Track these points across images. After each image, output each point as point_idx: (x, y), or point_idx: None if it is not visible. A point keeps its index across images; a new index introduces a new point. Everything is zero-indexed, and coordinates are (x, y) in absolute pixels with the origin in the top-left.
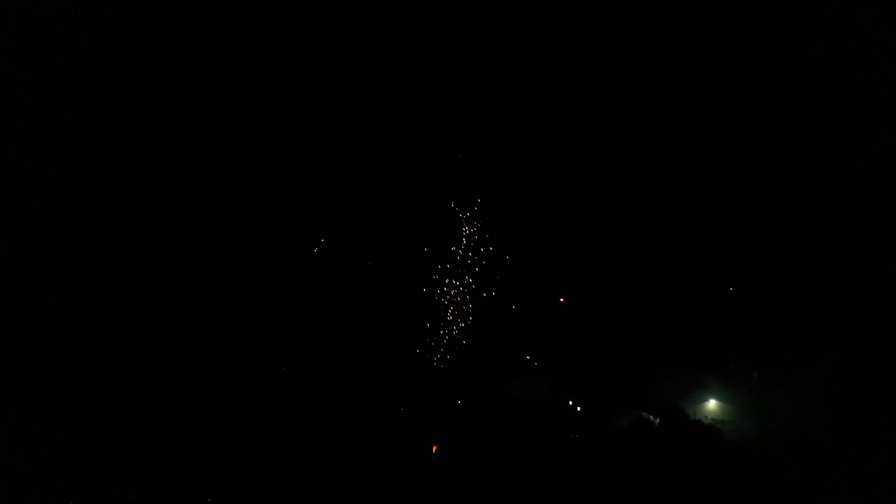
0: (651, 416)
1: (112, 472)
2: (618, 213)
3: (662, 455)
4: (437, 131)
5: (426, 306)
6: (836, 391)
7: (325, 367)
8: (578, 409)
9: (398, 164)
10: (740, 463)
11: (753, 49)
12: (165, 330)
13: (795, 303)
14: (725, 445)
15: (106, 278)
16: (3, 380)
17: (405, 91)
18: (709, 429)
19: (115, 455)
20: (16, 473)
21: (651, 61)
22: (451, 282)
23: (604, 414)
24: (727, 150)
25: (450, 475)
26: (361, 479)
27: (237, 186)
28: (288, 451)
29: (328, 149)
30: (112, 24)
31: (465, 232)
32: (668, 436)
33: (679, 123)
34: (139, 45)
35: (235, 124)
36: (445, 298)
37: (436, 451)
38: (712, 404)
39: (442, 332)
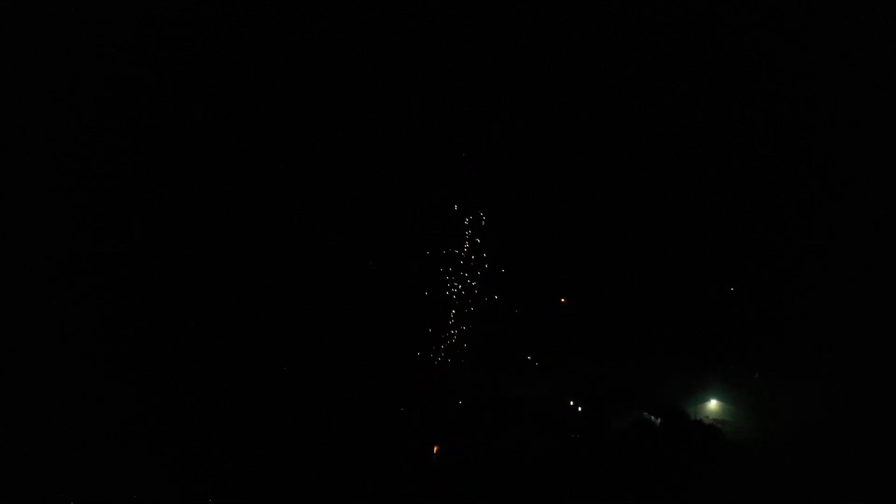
0: (652, 416)
1: (112, 472)
2: (618, 213)
3: (663, 455)
4: (437, 131)
5: (426, 306)
6: (836, 391)
7: (325, 367)
8: (579, 409)
9: (398, 164)
10: (741, 463)
11: (753, 49)
12: (165, 330)
13: (796, 303)
14: (726, 445)
15: (106, 278)
16: (3, 380)
17: (405, 91)
18: (710, 429)
19: (115, 455)
20: (16, 473)
21: (651, 61)
22: (451, 282)
23: (604, 414)
24: (727, 150)
25: (450, 475)
26: (361, 479)
27: (237, 186)
28: (288, 451)
29: (328, 149)
30: (112, 24)
31: (466, 232)
32: (668, 436)
33: (679, 123)
34: (139, 45)
35: (235, 124)
36: (445, 298)
37: (436, 451)
38: (713, 404)
39: (442, 332)
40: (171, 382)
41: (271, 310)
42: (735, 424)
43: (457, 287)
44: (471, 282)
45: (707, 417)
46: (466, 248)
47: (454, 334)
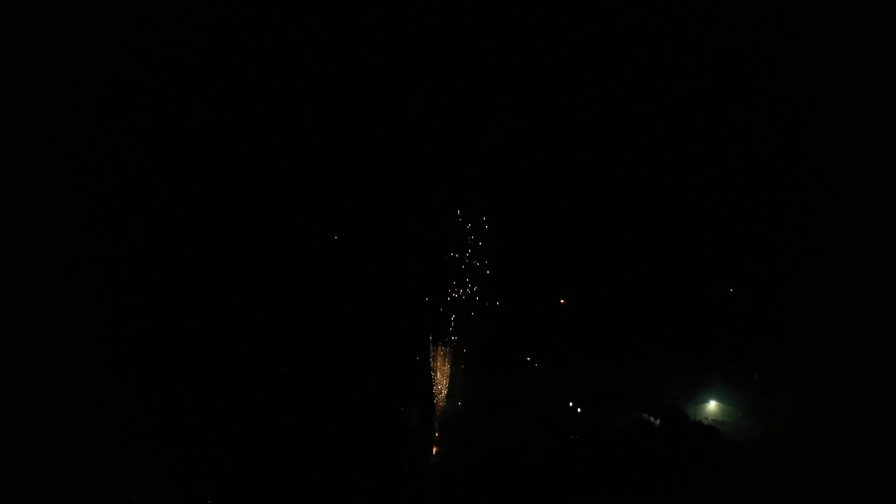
0: (651, 417)
1: (112, 472)
2: (618, 213)
3: (662, 455)
4: (437, 131)
5: (426, 306)
6: (836, 391)
7: (325, 367)
8: (579, 409)
9: (398, 164)
10: (740, 463)
11: (753, 49)
12: (165, 330)
13: (796, 304)
14: (726, 446)
15: (106, 278)
16: (3, 380)
17: (405, 91)
18: (709, 429)
19: (115, 455)
20: (16, 473)
21: (651, 61)
22: (450, 282)
23: (604, 414)
24: (727, 150)
25: (450, 475)
26: (361, 479)
27: (237, 186)
28: (288, 451)
29: (328, 149)
30: (112, 24)
31: (465, 232)
32: (668, 436)
33: (679, 123)
34: (139, 45)
35: (235, 124)
36: (445, 298)
37: (436, 451)
38: (712, 405)
39: (442, 332)
40: (171, 382)
41: (271, 310)
42: (735, 425)
43: (457, 287)
44: (470, 282)
45: (706, 418)
46: (466, 248)
47: (454, 334)
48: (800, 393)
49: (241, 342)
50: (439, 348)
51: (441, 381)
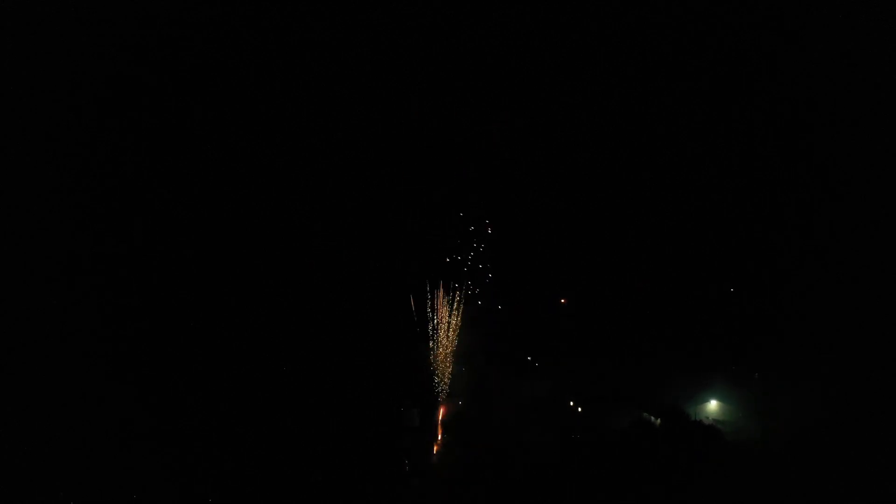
0: (652, 417)
1: (112, 472)
2: (618, 213)
3: (663, 455)
4: (437, 131)
5: (426, 306)
6: (836, 392)
7: (325, 367)
8: (579, 409)
9: (398, 164)
10: (741, 463)
11: (753, 49)
12: (165, 330)
13: (796, 304)
14: (726, 446)
15: (106, 278)
16: (3, 380)
17: (405, 91)
18: (709, 429)
19: (115, 455)
20: (16, 473)
21: (651, 61)
22: (450, 282)
23: (604, 414)
24: (727, 150)
25: (450, 475)
26: (361, 479)
27: (237, 186)
28: (288, 451)
29: (328, 149)
30: (112, 24)
31: (465, 232)
32: (668, 436)
33: (679, 123)
34: (139, 45)
35: (235, 124)
36: (445, 298)
37: (436, 450)
38: (713, 405)
39: (442, 332)
40: (171, 382)
41: (271, 310)
42: (735, 424)
43: (456, 287)
44: (470, 282)
45: (707, 417)
46: (466, 248)
47: (454, 334)
48: (800, 393)
49: (241, 342)
50: (439, 348)
51: (441, 381)
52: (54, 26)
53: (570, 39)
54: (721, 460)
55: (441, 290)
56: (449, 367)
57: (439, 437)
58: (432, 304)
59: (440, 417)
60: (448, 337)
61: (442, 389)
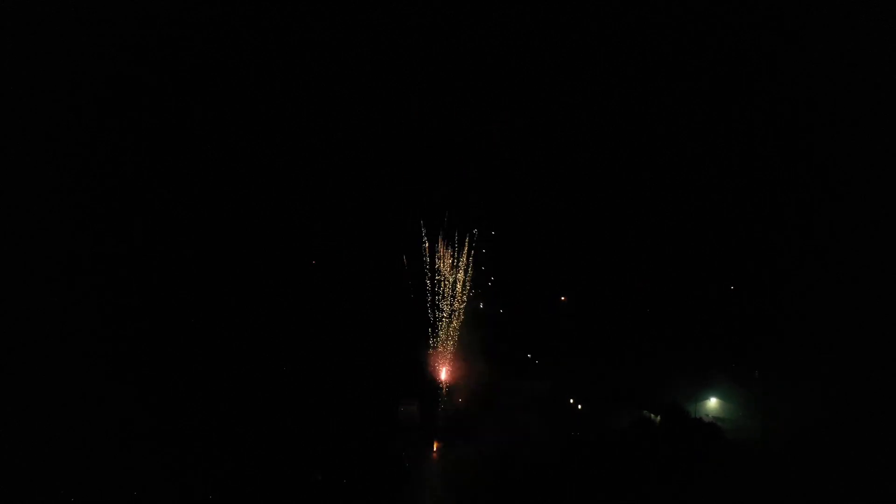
0: (652, 415)
1: (112, 472)
2: (618, 213)
3: (663, 453)
4: (437, 131)
5: (426, 306)
6: (836, 391)
7: (325, 366)
8: (579, 407)
9: (398, 164)
10: (740, 461)
11: (753, 49)
12: (165, 330)
13: (796, 303)
14: (726, 445)
15: (106, 278)
16: (3, 380)
17: (405, 91)
18: (709, 427)
19: (115, 455)
20: (16, 473)
21: (651, 61)
22: (451, 281)
23: (605, 413)
24: (727, 150)
25: (450, 474)
26: (361, 479)
27: (237, 186)
28: (288, 451)
29: (328, 149)
30: (112, 24)
31: (465, 232)
32: (668, 434)
33: (679, 123)
34: (139, 45)
35: (235, 124)
36: (445, 298)
37: (436, 448)
38: (713, 403)
39: (442, 331)
40: (171, 382)
41: (271, 310)
42: (735, 423)
43: (457, 287)
44: (471, 282)
45: (707, 416)
46: (466, 247)
47: (454, 334)
48: (800, 393)
49: (241, 342)
50: (439, 347)
51: (442, 380)
52: (54, 26)
53: (570, 39)
54: (721, 459)
55: (442, 244)
56: (449, 366)
57: (439, 437)
58: (431, 262)
59: (440, 417)
60: (454, 292)
61: (442, 388)
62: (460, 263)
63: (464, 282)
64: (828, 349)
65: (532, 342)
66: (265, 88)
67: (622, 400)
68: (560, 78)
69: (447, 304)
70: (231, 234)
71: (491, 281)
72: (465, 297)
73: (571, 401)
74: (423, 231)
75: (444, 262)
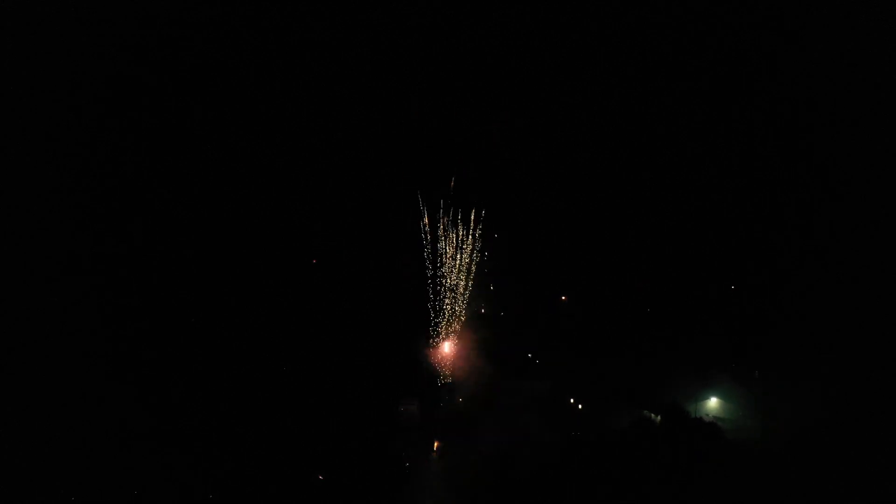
0: (652, 415)
1: (112, 472)
2: (618, 213)
3: (663, 453)
4: (436, 131)
5: (426, 306)
6: (836, 391)
7: (325, 366)
8: (580, 406)
9: (398, 164)
10: (741, 461)
11: (753, 49)
12: (165, 330)
13: (796, 303)
14: (726, 444)
15: (106, 278)
16: (3, 380)
17: (405, 91)
18: (709, 427)
19: (115, 455)
20: (16, 473)
21: (651, 61)
22: (451, 281)
23: (605, 412)
24: (727, 150)
25: (450, 473)
26: (361, 479)
27: (237, 186)
28: (288, 451)
29: (328, 149)
30: (112, 24)
31: (466, 232)
32: (668, 434)
33: (679, 123)
34: (139, 45)
35: (235, 124)
36: (446, 298)
37: (436, 448)
38: (713, 402)
39: (442, 331)
40: (171, 382)
41: (271, 310)
42: (735, 423)
43: (457, 286)
44: (471, 281)
45: (707, 415)
46: (466, 247)
47: (454, 333)
48: (800, 391)
49: (241, 342)
50: (439, 347)
51: (442, 380)
52: (54, 26)
53: (570, 39)
54: (721, 459)
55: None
56: (449, 366)
57: (439, 436)
58: (433, 263)
59: (440, 416)
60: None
61: (442, 388)
62: (461, 266)
63: (465, 283)
64: (828, 349)
65: (532, 342)
66: (265, 88)
67: (622, 400)
68: (560, 78)
69: (448, 305)
70: (231, 233)
71: (492, 286)
72: (465, 298)
73: (571, 401)
74: (424, 231)
75: (445, 263)
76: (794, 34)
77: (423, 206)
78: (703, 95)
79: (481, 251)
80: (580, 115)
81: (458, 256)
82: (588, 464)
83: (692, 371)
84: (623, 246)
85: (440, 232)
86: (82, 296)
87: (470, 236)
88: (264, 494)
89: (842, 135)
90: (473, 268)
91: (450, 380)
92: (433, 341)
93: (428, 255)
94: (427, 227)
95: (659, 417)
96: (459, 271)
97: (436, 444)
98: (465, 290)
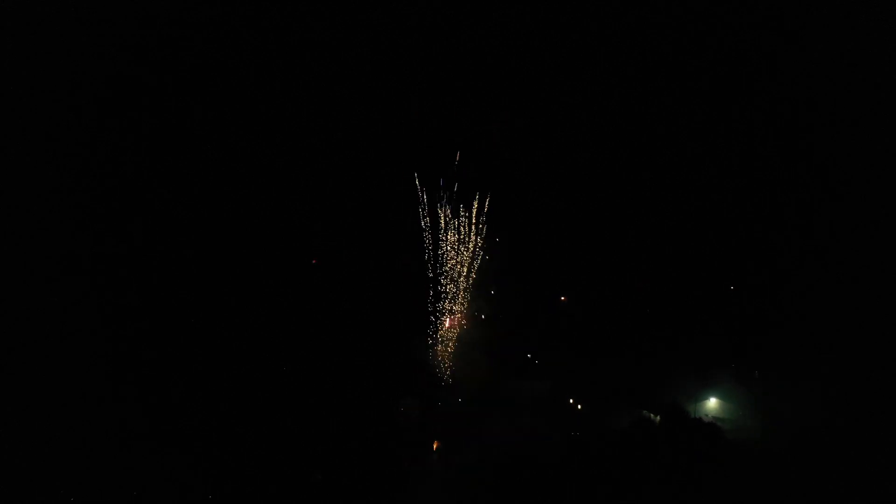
0: (652, 415)
1: (112, 472)
2: (618, 213)
3: (663, 454)
4: (437, 131)
5: (426, 306)
6: (836, 391)
7: (325, 366)
8: (579, 407)
9: (398, 163)
10: (740, 461)
11: (753, 49)
12: (165, 330)
13: (796, 303)
14: (726, 445)
15: (106, 278)
16: (3, 380)
17: (405, 91)
18: (709, 427)
19: (116, 455)
20: (16, 473)
21: (651, 61)
22: (451, 282)
23: (604, 412)
24: (727, 150)
25: (450, 474)
26: (361, 479)
27: (237, 186)
28: (288, 451)
29: (328, 149)
30: (112, 24)
31: (466, 232)
32: (668, 434)
33: (679, 123)
34: (139, 45)
35: (235, 124)
36: (446, 298)
37: (436, 448)
38: (713, 403)
39: (442, 331)
40: (171, 382)
41: (271, 310)
42: (735, 423)
43: (457, 286)
44: (471, 281)
45: (707, 416)
46: (466, 247)
47: (454, 334)
48: (800, 392)
49: (242, 342)
50: (439, 347)
51: (442, 380)
52: (54, 26)
53: (570, 39)
54: (721, 459)
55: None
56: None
57: (439, 436)
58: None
59: (441, 416)
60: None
61: (442, 388)
62: (462, 266)
63: (465, 284)
64: (828, 349)
65: (532, 342)
66: (265, 88)
67: (622, 400)
68: (559, 78)
69: (448, 305)
70: (231, 233)
71: (492, 288)
72: (466, 299)
73: (571, 401)
74: (425, 229)
75: (446, 263)
76: (795, 34)
77: (423, 207)
78: (703, 95)
79: (482, 253)
80: (580, 115)
81: (459, 257)
82: (588, 464)
83: (692, 371)
84: (623, 246)
85: (440, 234)
86: (82, 296)
87: (472, 233)
88: (264, 494)
89: (842, 135)
90: (475, 267)
91: (450, 380)
92: (433, 341)
93: (429, 256)
94: (428, 226)
95: (659, 417)
96: (460, 273)
97: (435, 445)
98: (465, 290)
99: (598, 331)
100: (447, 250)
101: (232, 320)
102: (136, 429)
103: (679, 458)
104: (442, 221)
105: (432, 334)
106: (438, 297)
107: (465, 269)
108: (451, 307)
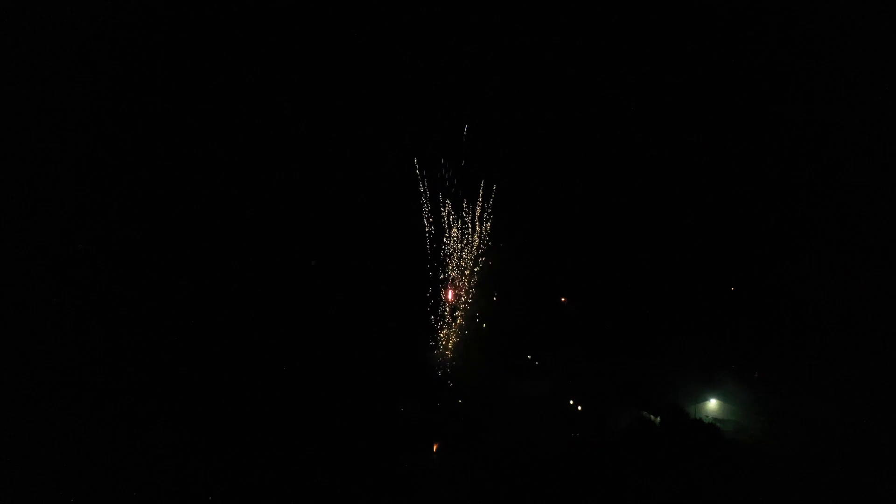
0: (652, 416)
1: (112, 472)
2: (619, 213)
3: (663, 455)
4: (437, 131)
5: (427, 306)
6: (836, 391)
7: (325, 366)
8: (579, 408)
9: (398, 164)
10: (740, 462)
11: (754, 49)
12: (165, 330)
13: (797, 304)
14: (726, 445)
15: (106, 278)
16: (3, 380)
17: (405, 91)
18: (709, 428)
19: (116, 455)
20: (16, 473)
21: (651, 61)
22: (451, 282)
23: (605, 413)
24: (728, 150)
25: (450, 474)
26: (361, 479)
27: (237, 186)
28: (288, 451)
29: (328, 149)
30: (112, 24)
31: (466, 232)
32: (668, 435)
33: (679, 123)
34: (139, 45)
35: (235, 124)
36: (446, 299)
37: (436, 448)
38: (713, 404)
39: (442, 332)
40: (171, 383)
41: (271, 309)
42: (735, 424)
43: (457, 287)
44: (471, 282)
45: (707, 417)
46: (467, 248)
47: (454, 334)
48: (800, 392)
49: (241, 342)
50: (440, 348)
51: (442, 380)
52: (54, 26)
53: (570, 39)
54: (721, 460)
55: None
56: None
57: (439, 436)
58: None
59: (441, 416)
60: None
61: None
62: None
63: (467, 286)
64: (829, 350)
65: (532, 342)
66: (265, 88)
67: (622, 400)
68: (562, 78)
69: (449, 305)
70: (231, 233)
71: (495, 296)
72: (467, 299)
73: (571, 401)
74: (426, 232)
75: (448, 264)
76: (794, 34)
77: (424, 206)
78: (704, 95)
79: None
80: (580, 115)
81: (459, 257)
82: (588, 464)
83: (692, 372)
84: (623, 247)
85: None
86: (82, 296)
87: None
88: (265, 494)
89: (842, 135)
90: (476, 267)
91: (450, 380)
92: (434, 342)
93: (430, 256)
94: (430, 226)
95: (659, 418)
96: (461, 274)
97: (435, 445)
98: (466, 290)
99: (598, 331)
100: (449, 224)
101: (233, 320)
102: (136, 429)
103: (679, 459)
104: (444, 211)
105: (434, 335)
106: (439, 271)
107: (472, 240)
108: (451, 276)
